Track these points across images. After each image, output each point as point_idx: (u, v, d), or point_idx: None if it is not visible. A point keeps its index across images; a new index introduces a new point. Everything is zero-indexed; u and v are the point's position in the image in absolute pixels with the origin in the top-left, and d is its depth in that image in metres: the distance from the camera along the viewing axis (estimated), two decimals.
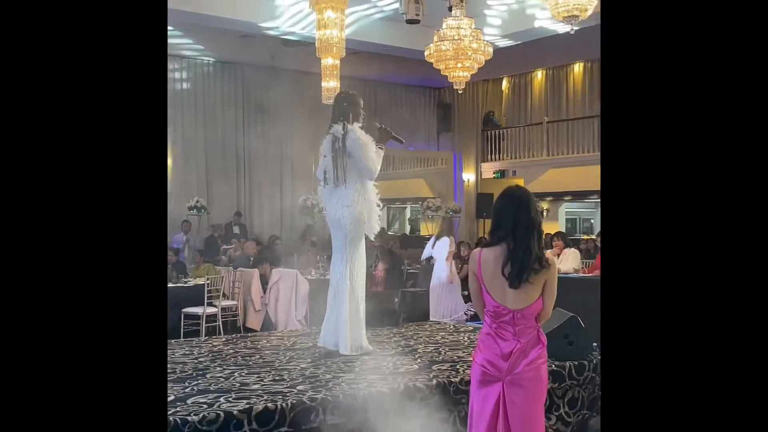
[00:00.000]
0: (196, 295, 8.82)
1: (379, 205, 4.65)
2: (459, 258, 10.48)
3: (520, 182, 15.43)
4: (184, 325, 8.66)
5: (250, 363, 4.36)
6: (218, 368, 4.18)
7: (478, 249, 3.19)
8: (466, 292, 8.66)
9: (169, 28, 11.54)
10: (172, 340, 5.84)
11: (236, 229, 12.87)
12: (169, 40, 12.24)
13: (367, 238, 4.63)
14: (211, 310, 8.83)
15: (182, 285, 9.05)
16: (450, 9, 7.99)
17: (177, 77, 13.51)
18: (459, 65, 7.94)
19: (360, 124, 4.56)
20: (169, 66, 13.30)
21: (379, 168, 4.50)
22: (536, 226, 3.06)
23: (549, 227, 13.29)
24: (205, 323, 8.70)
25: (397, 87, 15.99)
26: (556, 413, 4.25)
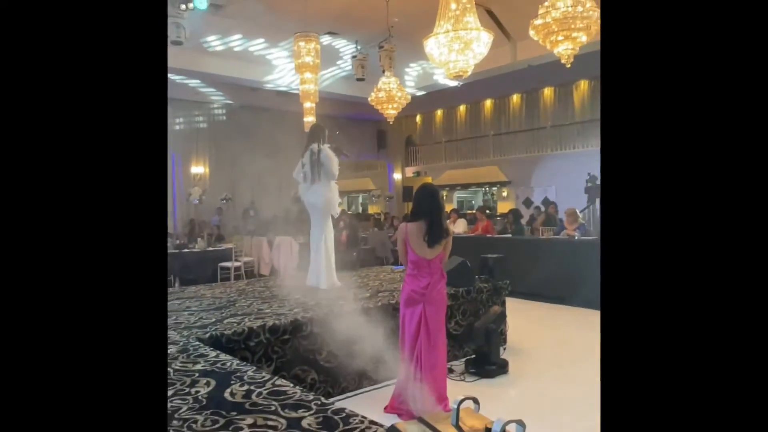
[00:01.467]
0: (227, 254, 8.66)
1: (338, 195, 4.63)
2: (393, 227, 10.49)
3: (429, 179, 15.54)
4: (220, 273, 8.49)
5: (263, 296, 4.31)
6: (243, 300, 4.12)
7: (405, 224, 3.20)
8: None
9: (202, 83, 11.28)
10: (213, 284, 5.72)
11: (251, 213, 12.63)
12: (202, 91, 11.99)
13: (332, 216, 4.62)
14: (236, 263, 8.68)
15: (218, 248, 8.86)
16: (383, 72, 7.99)
17: (209, 116, 13.30)
18: (390, 106, 7.92)
19: (328, 145, 4.52)
20: (203, 109, 13.06)
21: (337, 173, 4.50)
22: (442, 209, 3.13)
23: (446, 207, 13.44)
24: (234, 272, 8.55)
25: (352, 120, 15.84)
26: (454, 320, 4.32)
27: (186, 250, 8.44)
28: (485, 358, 4.04)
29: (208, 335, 2.94)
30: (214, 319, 3.37)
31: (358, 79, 9.22)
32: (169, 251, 7.86)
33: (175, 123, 12.63)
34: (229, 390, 1.96)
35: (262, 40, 9.15)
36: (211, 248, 8.75)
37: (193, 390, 1.96)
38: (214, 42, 9.02)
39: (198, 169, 13.01)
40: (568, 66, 4.71)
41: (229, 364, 2.30)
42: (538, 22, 4.64)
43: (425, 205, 3.11)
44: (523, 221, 9.22)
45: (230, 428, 1.63)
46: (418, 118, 16.91)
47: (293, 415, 1.71)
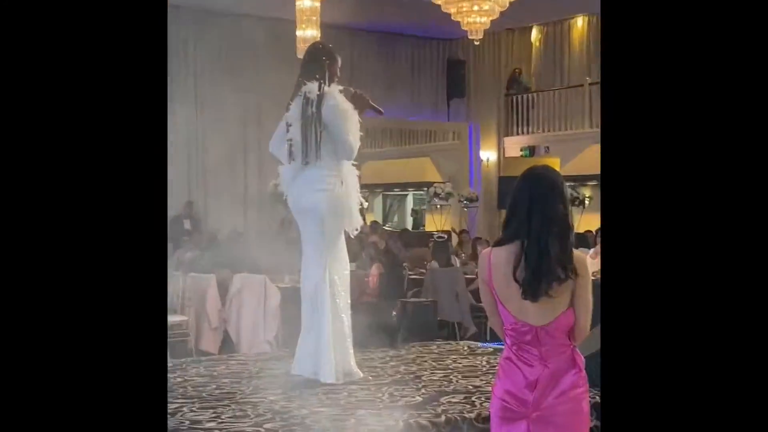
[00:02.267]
0: None
1: (359, 192, 4.65)
2: (474, 259, 10.48)
3: (555, 162, 15.40)
4: None
5: (204, 395, 4.36)
6: None
7: (488, 249, 3.16)
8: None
9: None
10: None
11: (187, 224, 12.79)
12: None
13: (346, 233, 4.62)
14: None
15: None
16: None
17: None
18: (476, 8, 7.92)
19: (340, 87, 4.54)
20: None
21: (358, 144, 4.50)
22: (558, 219, 3.00)
23: (593, 220, 13.24)
24: None
25: (395, 38, 15.90)
26: None
27: None
28: None
29: None
30: None
31: None
32: None
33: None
34: None
35: None
36: None
37: None
38: None
39: None
40: None
41: None
42: None
43: (522, 210, 3.05)
44: None
45: None
46: (533, 35, 16.90)
47: None
